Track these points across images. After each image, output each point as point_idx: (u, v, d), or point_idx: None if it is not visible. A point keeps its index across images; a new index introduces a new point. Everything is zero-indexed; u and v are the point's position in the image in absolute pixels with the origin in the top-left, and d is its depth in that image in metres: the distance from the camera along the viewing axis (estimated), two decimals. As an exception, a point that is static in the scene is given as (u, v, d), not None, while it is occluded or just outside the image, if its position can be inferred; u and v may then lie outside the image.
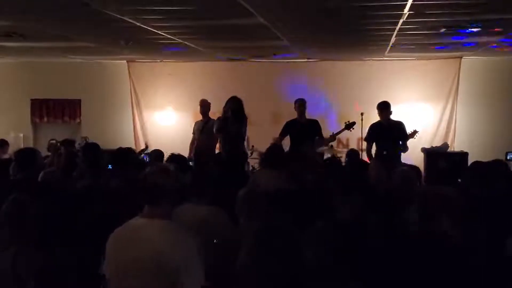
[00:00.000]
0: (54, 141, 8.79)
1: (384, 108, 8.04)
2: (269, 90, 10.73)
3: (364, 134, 8.88)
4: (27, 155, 5.11)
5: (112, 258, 2.93)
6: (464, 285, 2.18)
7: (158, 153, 7.03)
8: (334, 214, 3.57)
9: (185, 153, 8.29)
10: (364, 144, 9.34)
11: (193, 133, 8.79)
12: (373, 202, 4.09)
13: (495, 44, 8.15)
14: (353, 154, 7.85)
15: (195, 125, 8.89)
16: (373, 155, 8.00)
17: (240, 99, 7.55)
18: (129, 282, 2.82)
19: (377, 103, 8.93)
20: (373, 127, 8.16)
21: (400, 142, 7.96)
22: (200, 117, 8.89)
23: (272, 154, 5.75)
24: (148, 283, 2.76)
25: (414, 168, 5.42)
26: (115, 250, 2.91)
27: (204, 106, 8.82)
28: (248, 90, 10.61)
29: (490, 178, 4.43)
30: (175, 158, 5.48)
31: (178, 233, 2.87)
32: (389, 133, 7.97)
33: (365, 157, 8.29)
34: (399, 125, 8.15)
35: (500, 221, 3.73)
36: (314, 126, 8.06)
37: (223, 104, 7.97)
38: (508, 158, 7.90)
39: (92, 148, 5.70)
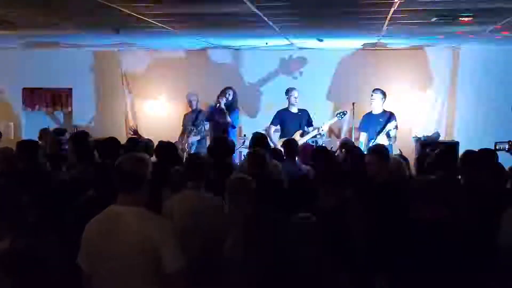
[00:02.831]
0: (47, 129, 8.78)
1: (377, 96, 8.14)
2: (262, 79, 10.69)
3: (356, 124, 8.91)
4: (29, 146, 5.10)
5: (92, 247, 2.99)
6: (453, 272, 2.20)
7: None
8: (317, 203, 3.58)
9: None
10: (356, 134, 9.40)
11: (182, 125, 8.73)
12: (364, 192, 4.11)
13: (488, 34, 8.14)
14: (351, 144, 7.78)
15: (184, 118, 8.83)
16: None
17: (234, 91, 7.56)
18: (111, 269, 2.91)
19: (369, 93, 8.95)
20: (366, 116, 8.28)
21: (390, 133, 8.05)
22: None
23: (258, 141, 5.77)
24: (131, 266, 2.87)
25: (402, 157, 5.44)
26: (95, 239, 2.98)
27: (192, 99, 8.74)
28: (241, 79, 10.62)
29: (479, 166, 4.44)
30: (164, 146, 5.48)
31: (154, 218, 3.01)
32: (379, 123, 8.05)
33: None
34: (390, 115, 8.23)
35: (488, 209, 3.74)
36: (305, 116, 8.08)
37: (215, 94, 7.99)
38: (497, 148, 7.91)
39: (81, 137, 5.68)
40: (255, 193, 3.61)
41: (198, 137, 8.95)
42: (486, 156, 4.98)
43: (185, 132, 9.04)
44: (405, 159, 5.52)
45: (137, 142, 7.30)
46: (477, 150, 5.12)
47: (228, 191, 3.84)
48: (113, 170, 3.13)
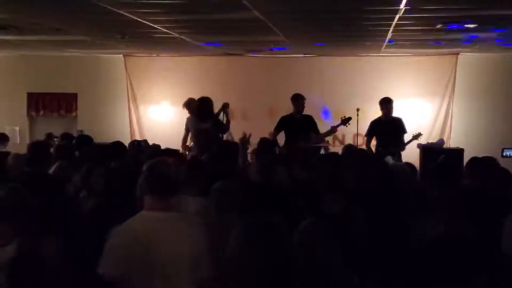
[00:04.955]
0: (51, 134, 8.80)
1: (385, 103, 8.16)
2: (266, 85, 10.71)
3: (360, 130, 8.91)
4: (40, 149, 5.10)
5: (125, 254, 2.86)
6: (453, 279, 2.20)
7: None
8: (321, 209, 3.58)
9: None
10: (360, 140, 9.38)
11: (186, 129, 8.74)
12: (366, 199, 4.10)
13: (491, 40, 8.15)
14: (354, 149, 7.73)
15: (187, 121, 8.84)
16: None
17: (204, 101, 7.63)
18: (151, 276, 2.84)
19: (373, 99, 8.97)
20: (374, 122, 8.30)
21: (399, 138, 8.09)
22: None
23: (264, 147, 5.76)
24: (179, 271, 2.85)
25: (408, 164, 5.41)
26: (129, 246, 2.86)
27: (190, 106, 8.71)
28: (245, 85, 10.64)
29: (485, 173, 4.43)
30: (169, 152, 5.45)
31: (198, 223, 3.02)
32: (389, 129, 8.07)
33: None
34: (399, 121, 8.25)
35: (492, 217, 3.73)
36: (309, 122, 8.08)
37: (219, 99, 7.99)
38: (504, 154, 7.90)
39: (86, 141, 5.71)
40: (243, 198, 3.53)
41: None
42: (492, 163, 4.97)
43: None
44: (412, 167, 5.49)
45: (141, 147, 7.32)
46: (482, 157, 5.11)
47: (214, 197, 3.77)
48: (143, 173, 3.05)
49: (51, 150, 6.26)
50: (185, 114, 9.95)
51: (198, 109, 7.73)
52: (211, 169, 4.27)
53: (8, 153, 6.01)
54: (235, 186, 3.71)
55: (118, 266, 2.85)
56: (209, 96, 8.94)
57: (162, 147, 6.53)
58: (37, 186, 3.48)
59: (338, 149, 9.01)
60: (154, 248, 2.83)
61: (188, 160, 5.54)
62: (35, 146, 5.24)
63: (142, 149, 6.88)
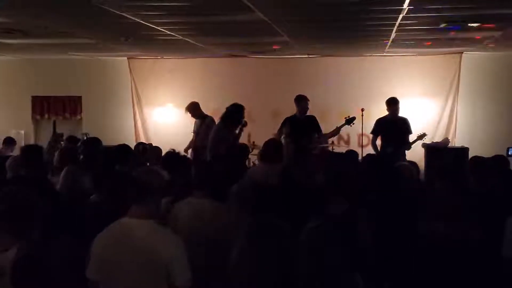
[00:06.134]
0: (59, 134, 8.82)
1: (392, 103, 8.20)
2: (270, 86, 10.72)
3: (365, 130, 8.91)
4: (33, 152, 5.11)
5: (102, 260, 2.99)
6: (458, 281, 2.20)
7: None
8: (326, 211, 3.58)
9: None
10: (365, 140, 9.38)
11: (193, 131, 8.76)
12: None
13: (494, 39, 8.13)
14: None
15: (195, 124, 8.85)
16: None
17: (240, 107, 7.55)
18: (123, 282, 2.93)
19: (377, 99, 8.98)
20: (380, 121, 8.32)
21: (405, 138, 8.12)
22: None
23: (270, 148, 5.74)
24: (142, 280, 2.90)
25: (412, 164, 5.41)
26: (106, 252, 2.99)
27: (191, 110, 8.71)
28: (249, 86, 10.64)
29: (490, 174, 4.42)
30: (170, 156, 5.44)
31: (165, 232, 3.04)
32: (395, 128, 8.11)
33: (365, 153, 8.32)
34: (404, 121, 8.28)
35: (497, 217, 3.72)
36: (313, 122, 8.09)
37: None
38: (509, 153, 7.88)
39: (93, 143, 5.73)
40: (256, 200, 3.57)
41: None
42: (496, 162, 4.95)
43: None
44: (415, 165, 5.50)
45: (145, 149, 7.35)
46: (486, 156, 5.09)
47: (232, 200, 3.81)
48: (126, 180, 3.16)
49: (56, 153, 6.29)
50: (189, 115, 9.93)
51: (233, 115, 7.49)
52: (220, 171, 4.27)
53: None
54: (248, 188, 3.77)
55: (96, 271, 2.97)
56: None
57: (168, 148, 6.54)
58: (31, 189, 3.49)
59: (343, 149, 9.01)
60: (121, 254, 2.92)
61: (198, 163, 5.55)
62: (27, 150, 5.29)
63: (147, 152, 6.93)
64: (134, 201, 3.04)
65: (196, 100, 8.87)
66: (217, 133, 7.32)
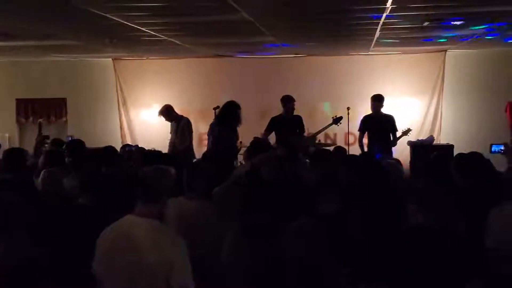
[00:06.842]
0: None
1: (376, 100, 8.21)
2: (257, 86, 10.72)
3: (351, 129, 8.95)
4: (16, 155, 5.10)
5: (105, 257, 3.00)
6: (443, 275, 2.22)
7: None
8: (316, 209, 3.59)
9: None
10: (351, 139, 9.43)
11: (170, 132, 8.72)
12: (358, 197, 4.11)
13: (478, 36, 8.21)
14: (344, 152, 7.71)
15: (171, 126, 8.79)
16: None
17: (238, 105, 7.55)
18: (124, 280, 2.93)
19: (363, 97, 9.02)
20: (366, 118, 8.34)
21: (391, 135, 8.16)
22: None
23: (256, 147, 5.75)
24: (142, 278, 2.90)
25: (397, 161, 5.44)
26: (108, 249, 3.00)
27: (165, 115, 8.62)
28: (236, 86, 10.63)
29: (472, 169, 4.46)
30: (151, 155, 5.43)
31: (169, 233, 3.04)
32: (380, 125, 8.13)
33: (351, 152, 8.38)
34: (390, 118, 8.31)
35: (481, 212, 3.76)
36: (298, 122, 8.12)
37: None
38: (492, 150, 7.95)
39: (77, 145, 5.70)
40: (246, 199, 3.57)
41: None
42: (478, 159, 4.99)
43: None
44: (399, 162, 5.53)
45: (131, 151, 7.31)
46: (469, 153, 5.13)
47: (219, 199, 3.80)
48: (134, 179, 3.13)
49: (41, 156, 6.24)
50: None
51: (236, 113, 7.45)
52: (212, 171, 4.27)
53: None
54: (236, 188, 3.77)
55: (99, 263, 2.99)
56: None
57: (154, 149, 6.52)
58: (16, 192, 3.48)
59: (329, 148, 9.04)
60: (123, 250, 2.93)
61: (190, 163, 5.54)
62: (8, 154, 5.30)
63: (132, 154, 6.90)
64: (141, 200, 3.01)
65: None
66: (224, 135, 7.42)
